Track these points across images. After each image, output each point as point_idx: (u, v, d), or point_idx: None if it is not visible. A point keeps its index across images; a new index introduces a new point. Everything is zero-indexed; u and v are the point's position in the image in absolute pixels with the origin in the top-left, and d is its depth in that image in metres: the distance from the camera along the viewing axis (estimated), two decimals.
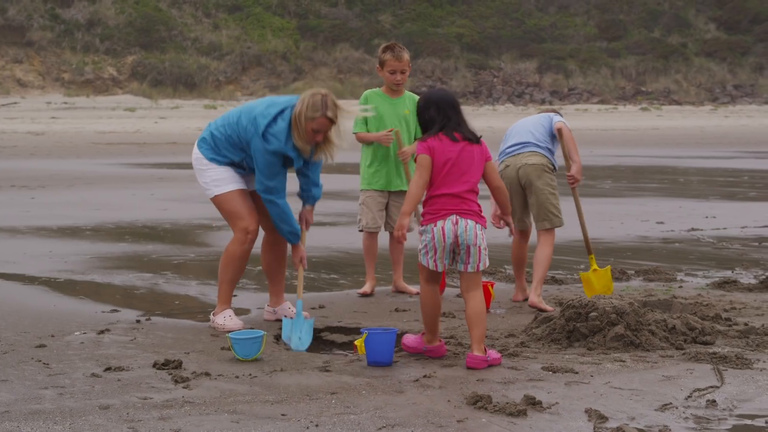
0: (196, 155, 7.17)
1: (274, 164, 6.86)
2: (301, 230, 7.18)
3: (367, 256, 8.51)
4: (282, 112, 6.81)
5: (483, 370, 5.88)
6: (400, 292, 8.44)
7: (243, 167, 7.08)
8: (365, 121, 8.37)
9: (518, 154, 8.12)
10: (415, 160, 6.18)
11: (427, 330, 6.25)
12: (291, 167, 7.05)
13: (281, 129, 6.78)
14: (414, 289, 8.22)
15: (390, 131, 8.22)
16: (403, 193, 8.23)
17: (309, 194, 7.25)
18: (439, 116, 6.18)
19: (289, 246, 7.28)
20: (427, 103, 6.25)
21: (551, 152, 8.24)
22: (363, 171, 8.47)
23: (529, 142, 8.14)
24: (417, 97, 8.38)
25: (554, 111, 8.61)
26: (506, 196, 6.47)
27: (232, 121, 7.02)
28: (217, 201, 7.12)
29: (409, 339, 6.33)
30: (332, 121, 6.74)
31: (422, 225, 6.19)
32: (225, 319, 7.01)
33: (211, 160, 7.07)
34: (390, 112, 8.36)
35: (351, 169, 8.13)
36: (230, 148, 7.03)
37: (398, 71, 8.31)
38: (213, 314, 7.14)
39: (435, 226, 6.09)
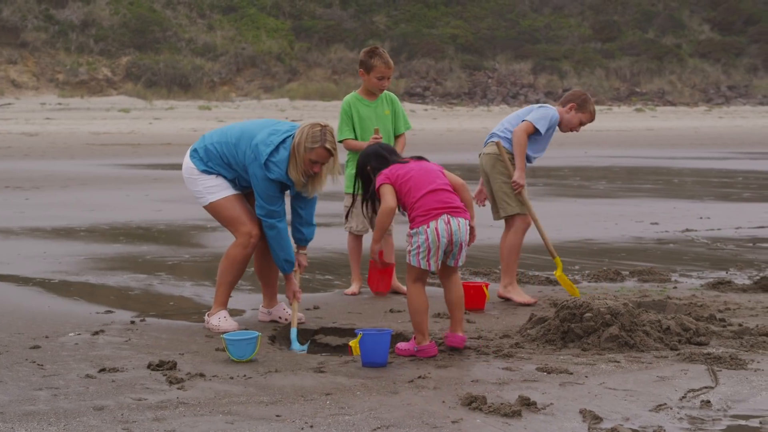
0: (187, 165, 7.16)
1: (273, 190, 6.91)
2: (294, 271, 7.15)
3: (352, 257, 8.61)
4: (284, 141, 6.84)
5: (477, 370, 5.88)
6: (394, 292, 8.45)
7: (234, 184, 7.11)
8: (351, 126, 8.39)
9: (485, 144, 8.29)
10: (378, 197, 6.36)
11: (417, 330, 6.27)
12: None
13: (283, 158, 6.82)
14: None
15: (376, 136, 8.19)
16: None
17: (302, 235, 7.24)
18: (379, 162, 6.45)
19: (280, 275, 7.27)
20: (364, 160, 6.54)
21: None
22: (348, 174, 8.43)
23: (494, 133, 8.31)
24: (391, 94, 8.56)
25: (555, 103, 8.60)
26: (468, 192, 6.52)
27: (230, 141, 7.00)
28: (214, 208, 7.10)
29: (402, 345, 6.37)
30: (330, 153, 6.79)
31: (412, 228, 6.23)
32: (220, 320, 7.01)
33: (203, 171, 7.08)
34: (371, 116, 8.39)
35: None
36: (223, 166, 7.05)
37: (386, 78, 8.32)
38: (208, 315, 7.13)
39: (428, 227, 6.15)
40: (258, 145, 6.85)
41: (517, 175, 8.11)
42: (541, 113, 8.21)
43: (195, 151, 7.14)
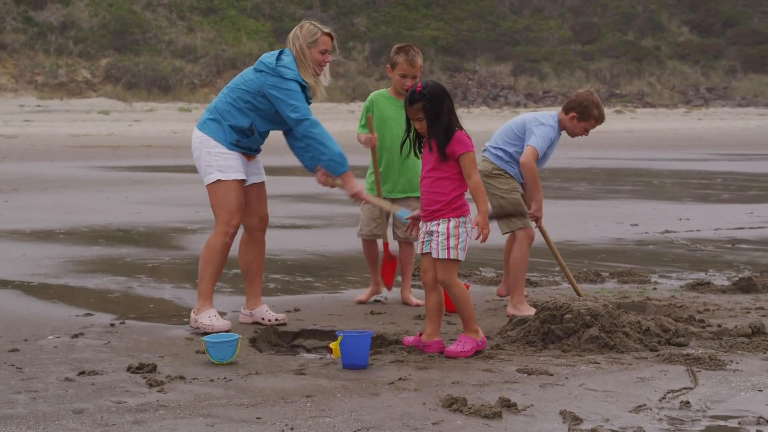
0: (201, 137, 7.09)
1: (295, 91, 6.94)
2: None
3: (368, 262, 8.25)
4: (282, 51, 7.04)
5: (458, 372, 5.88)
6: (404, 303, 8.10)
7: (251, 132, 7.05)
8: (365, 119, 8.10)
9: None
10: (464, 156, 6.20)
11: (472, 322, 6.30)
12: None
13: (290, 61, 6.99)
14: (416, 300, 8.03)
15: (374, 136, 7.93)
16: (407, 199, 7.91)
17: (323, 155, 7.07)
18: (450, 110, 6.24)
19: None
20: (443, 94, 6.25)
21: (505, 154, 7.88)
22: (367, 176, 8.18)
23: (486, 148, 8.02)
24: None
25: (551, 110, 8.21)
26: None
27: (233, 85, 7.09)
28: (216, 187, 7.05)
29: (453, 348, 6.28)
30: (332, 36, 7.05)
31: (456, 215, 6.22)
32: (211, 319, 6.97)
33: (219, 138, 7.04)
34: (395, 115, 7.95)
35: None
36: (237, 115, 7.03)
37: (409, 76, 7.91)
38: (194, 312, 7.07)
39: (471, 215, 6.28)
40: (261, 61, 7.02)
41: (535, 208, 7.77)
42: (543, 135, 7.71)
43: (206, 121, 7.11)
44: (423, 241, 6.34)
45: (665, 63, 61.04)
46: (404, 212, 6.78)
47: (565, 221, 13.62)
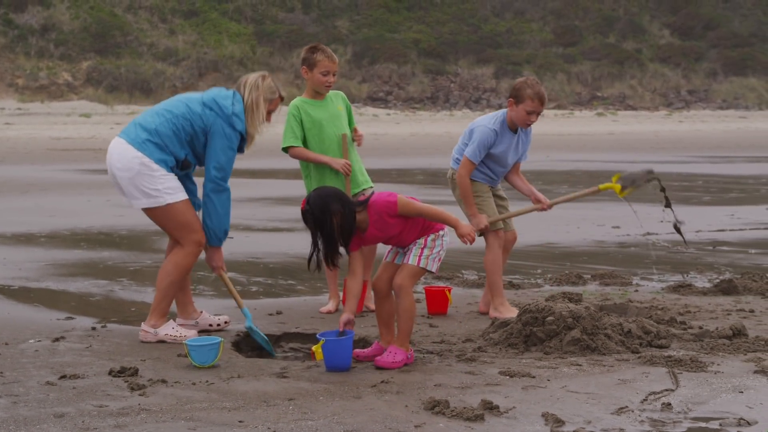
0: (139, 158, 6.74)
1: (234, 147, 6.83)
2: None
3: (329, 273, 7.91)
4: (234, 95, 6.87)
5: (440, 374, 5.89)
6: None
7: (183, 165, 6.87)
8: (300, 134, 7.79)
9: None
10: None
11: (407, 337, 6.19)
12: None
13: (241, 110, 6.83)
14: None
15: (347, 163, 7.71)
16: (361, 192, 7.79)
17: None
18: (343, 203, 6.07)
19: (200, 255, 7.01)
20: (323, 203, 6.03)
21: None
22: (308, 183, 7.91)
23: (453, 158, 8.01)
24: (338, 91, 8.03)
25: (494, 111, 8.18)
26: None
27: (179, 113, 6.81)
28: (170, 210, 6.78)
29: (383, 359, 6.13)
30: (282, 99, 6.98)
31: (433, 233, 6.19)
32: (176, 330, 6.82)
33: (160, 162, 6.75)
34: (326, 116, 7.81)
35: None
36: (177, 144, 6.80)
37: (331, 72, 7.77)
38: (151, 326, 6.81)
39: (444, 230, 6.23)
40: (215, 100, 6.82)
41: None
42: (478, 140, 7.70)
43: (145, 141, 6.76)
44: (396, 252, 6.31)
45: (646, 66, 61.22)
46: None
47: (547, 224, 13.63)
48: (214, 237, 6.89)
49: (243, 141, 6.90)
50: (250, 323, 6.85)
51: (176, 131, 6.81)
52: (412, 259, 6.17)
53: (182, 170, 6.94)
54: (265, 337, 6.79)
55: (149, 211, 6.85)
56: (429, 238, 6.19)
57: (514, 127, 7.80)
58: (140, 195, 6.78)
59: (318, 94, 7.88)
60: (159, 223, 6.93)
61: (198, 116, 6.80)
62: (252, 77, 6.92)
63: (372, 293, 6.54)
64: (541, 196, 7.90)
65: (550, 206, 7.91)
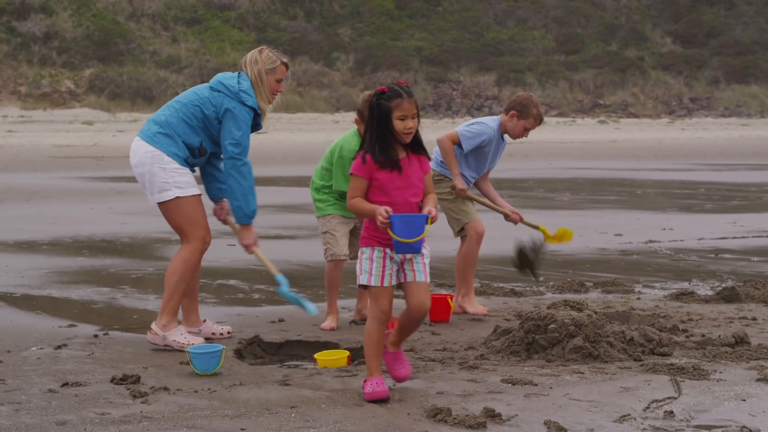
0: (151, 151, 6.79)
1: (249, 122, 6.85)
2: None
3: (330, 288, 7.72)
4: (239, 74, 6.94)
5: (443, 382, 5.88)
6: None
7: (200, 152, 6.90)
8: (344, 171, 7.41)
9: None
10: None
11: (368, 358, 5.70)
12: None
13: (249, 86, 6.88)
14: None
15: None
16: None
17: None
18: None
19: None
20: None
21: (443, 164, 8.16)
22: (321, 196, 7.87)
23: (436, 159, 8.23)
24: None
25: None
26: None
27: (187, 101, 6.88)
28: (178, 204, 6.82)
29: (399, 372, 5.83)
30: (288, 66, 7.08)
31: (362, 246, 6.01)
32: (184, 336, 6.82)
33: (173, 155, 6.80)
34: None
35: (308, 182, 8.12)
36: (189, 132, 6.85)
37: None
38: (161, 328, 6.81)
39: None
40: (221, 82, 6.88)
41: (457, 182, 7.99)
42: (474, 130, 8.00)
43: (156, 134, 6.82)
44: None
45: (648, 73, 61.26)
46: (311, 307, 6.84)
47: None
48: (242, 215, 6.88)
49: (258, 117, 6.95)
50: (283, 289, 6.84)
51: (186, 119, 6.87)
52: (425, 277, 5.63)
53: (201, 156, 6.97)
54: (298, 298, 6.87)
55: (160, 206, 6.93)
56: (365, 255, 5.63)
57: (501, 135, 8.19)
58: (153, 190, 6.88)
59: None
60: (167, 219, 6.98)
61: (207, 100, 6.87)
62: (250, 54, 7.03)
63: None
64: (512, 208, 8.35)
65: (519, 221, 8.32)
